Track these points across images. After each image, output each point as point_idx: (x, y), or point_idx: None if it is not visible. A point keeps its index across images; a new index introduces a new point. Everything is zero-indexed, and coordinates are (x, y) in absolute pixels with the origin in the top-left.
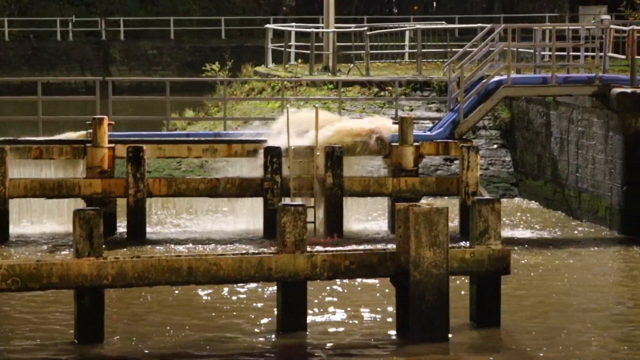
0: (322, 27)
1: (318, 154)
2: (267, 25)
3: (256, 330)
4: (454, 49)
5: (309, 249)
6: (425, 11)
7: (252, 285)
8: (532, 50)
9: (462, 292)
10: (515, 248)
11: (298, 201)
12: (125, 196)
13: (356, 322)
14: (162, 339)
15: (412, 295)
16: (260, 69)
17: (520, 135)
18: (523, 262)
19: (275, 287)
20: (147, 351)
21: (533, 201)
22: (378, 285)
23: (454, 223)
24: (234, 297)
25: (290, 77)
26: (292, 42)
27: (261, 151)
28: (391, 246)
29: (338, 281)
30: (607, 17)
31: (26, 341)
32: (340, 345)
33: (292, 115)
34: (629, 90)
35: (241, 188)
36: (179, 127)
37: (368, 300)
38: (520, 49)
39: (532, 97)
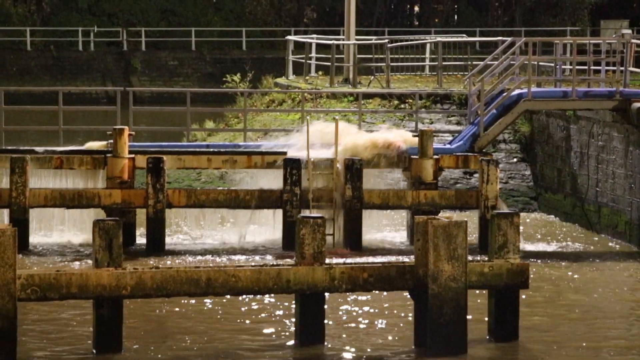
0: (343, 39)
1: (338, 166)
2: (288, 37)
3: (274, 342)
4: (474, 62)
5: (327, 260)
6: (446, 24)
7: (271, 296)
8: (552, 64)
9: (481, 306)
10: (534, 262)
11: (317, 213)
12: (145, 207)
13: (374, 334)
14: (180, 350)
15: (430, 308)
16: (281, 80)
17: (540, 149)
18: (542, 276)
19: (293, 299)
20: None
21: (552, 215)
22: (396, 298)
23: (473, 236)
24: (252, 309)
25: (311, 89)
26: (313, 54)
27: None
28: (410, 259)
29: (356, 293)
30: (629, 31)
31: (45, 351)
32: (357, 358)
33: (315, 127)
34: None
35: (261, 199)
36: (199, 138)
37: (386, 313)
38: (540, 63)
39: (553, 111)
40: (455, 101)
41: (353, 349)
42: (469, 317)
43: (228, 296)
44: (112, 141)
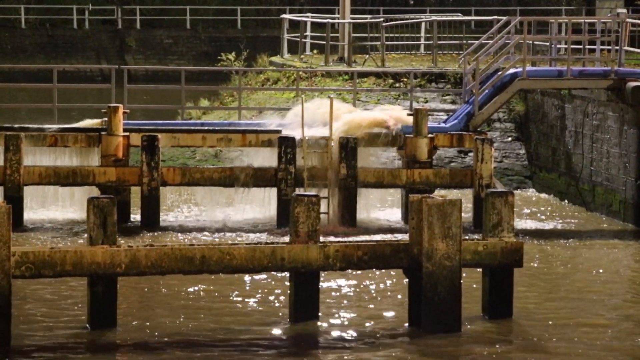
0: (338, 18)
1: (332, 144)
2: (283, 16)
3: (268, 319)
4: (469, 41)
5: (322, 239)
6: (442, 3)
7: (265, 274)
8: (547, 43)
9: (475, 284)
10: (528, 240)
11: (312, 192)
12: (140, 185)
13: (368, 313)
14: (175, 326)
15: (424, 286)
16: (276, 59)
17: (534, 128)
18: (536, 254)
19: (288, 277)
20: (159, 338)
21: (547, 194)
22: (390, 276)
23: (468, 215)
24: (247, 287)
25: (306, 67)
26: (308, 33)
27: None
28: (404, 237)
29: (351, 271)
30: (624, 10)
31: (39, 327)
32: (352, 336)
33: (309, 105)
34: None
35: (255, 178)
36: (193, 116)
37: (380, 291)
38: (536, 42)
39: (547, 90)
40: (450, 80)
41: (347, 327)
42: (463, 295)
43: (222, 274)
44: (106, 119)
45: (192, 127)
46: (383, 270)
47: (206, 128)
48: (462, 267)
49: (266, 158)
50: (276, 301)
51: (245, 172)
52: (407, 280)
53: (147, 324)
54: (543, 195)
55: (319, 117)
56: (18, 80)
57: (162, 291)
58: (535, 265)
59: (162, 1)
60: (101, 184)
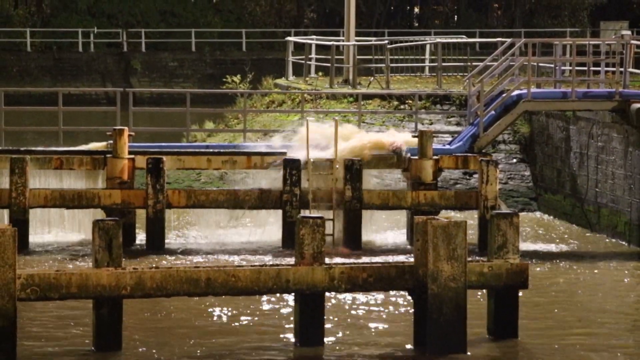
0: (343, 40)
1: (337, 166)
2: (288, 38)
3: (274, 341)
4: (474, 63)
5: (327, 260)
6: (446, 25)
7: (271, 296)
8: (552, 65)
9: (480, 305)
10: (534, 262)
11: (317, 213)
12: (145, 207)
13: (374, 334)
14: (180, 349)
15: (430, 308)
16: (281, 81)
17: (539, 150)
18: (541, 276)
19: (293, 299)
20: None
21: (552, 216)
22: (396, 297)
23: (473, 237)
24: (252, 309)
25: (311, 89)
26: (313, 55)
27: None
28: (409, 259)
29: (356, 293)
30: (628, 32)
31: (45, 350)
32: (357, 357)
33: (311, 128)
34: None
35: (260, 200)
36: (198, 138)
37: (385, 313)
38: (540, 64)
39: (552, 111)
40: (455, 102)
41: (353, 349)
42: (468, 316)
43: (227, 296)
44: (112, 142)
45: (197, 150)
46: (388, 292)
47: (211, 150)
48: (467, 289)
49: (271, 180)
50: (281, 323)
51: (250, 194)
52: (412, 301)
53: (152, 346)
54: (548, 216)
55: (323, 138)
56: (24, 104)
57: (167, 313)
58: (540, 286)
59: (167, 24)
60: (106, 207)
